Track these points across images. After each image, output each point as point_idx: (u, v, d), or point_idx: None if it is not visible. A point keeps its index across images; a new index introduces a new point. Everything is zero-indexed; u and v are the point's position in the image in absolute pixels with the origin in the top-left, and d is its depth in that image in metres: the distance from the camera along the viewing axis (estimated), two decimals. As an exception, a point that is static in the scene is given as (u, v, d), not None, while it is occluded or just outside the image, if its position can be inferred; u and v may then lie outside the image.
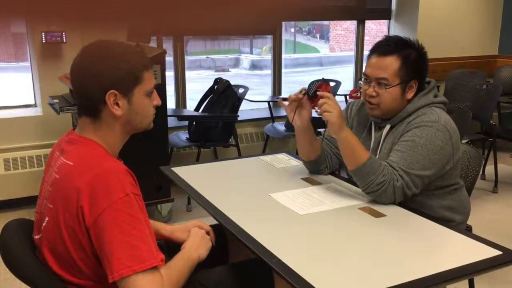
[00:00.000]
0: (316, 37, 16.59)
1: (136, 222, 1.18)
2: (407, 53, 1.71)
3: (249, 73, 12.32)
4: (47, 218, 1.26)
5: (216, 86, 3.76)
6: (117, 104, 1.27)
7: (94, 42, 1.30)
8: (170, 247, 1.53)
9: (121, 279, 1.14)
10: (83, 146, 1.28)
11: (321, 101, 1.67)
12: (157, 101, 1.36)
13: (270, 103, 4.26)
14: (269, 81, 4.77)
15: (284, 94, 4.68)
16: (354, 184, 1.73)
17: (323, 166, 1.91)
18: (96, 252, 1.19)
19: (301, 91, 1.74)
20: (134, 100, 1.29)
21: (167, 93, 3.13)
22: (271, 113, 4.21)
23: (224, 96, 3.69)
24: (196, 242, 1.45)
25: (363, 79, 1.79)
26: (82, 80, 1.28)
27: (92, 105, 1.28)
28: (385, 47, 1.73)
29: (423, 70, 1.76)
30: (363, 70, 1.80)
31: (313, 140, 1.85)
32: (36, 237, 1.32)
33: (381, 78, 1.71)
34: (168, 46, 4.01)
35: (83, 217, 1.18)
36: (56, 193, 1.25)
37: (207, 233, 1.53)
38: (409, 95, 1.74)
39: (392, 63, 1.70)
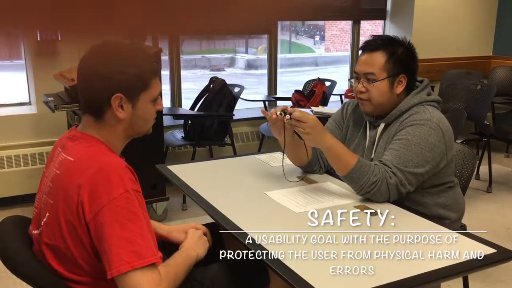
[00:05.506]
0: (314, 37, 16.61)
1: (135, 218, 1.18)
2: (394, 48, 1.74)
3: (245, 73, 12.31)
4: (47, 214, 1.26)
5: (211, 85, 3.76)
6: (122, 107, 1.27)
7: (103, 42, 1.28)
8: (165, 247, 1.53)
9: (119, 275, 1.14)
10: (84, 142, 1.29)
11: (294, 122, 1.65)
12: (160, 106, 1.36)
13: (266, 102, 4.25)
14: (264, 80, 4.77)
15: (279, 94, 4.68)
16: (350, 182, 1.74)
17: (316, 167, 1.92)
18: (96, 248, 1.19)
19: (280, 113, 1.73)
20: (139, 105, 1.29)
21: (163, 92, 3.13)
22: (267, 113, 4.21)
23: (219, 95, 3.68)
24: (194, 241, 1.46)
25: (354, 77, 1.82)
26: (89, 80, 1.28)
27: (96, 105, 1.28)
28: (372, 44, 1.76)
29: (412, 65, 1.78)
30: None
31: (301, 149, 1.84)
32: (35, 232, 1.32)
33: (368, 73, 1.74)
34: (163, 45, 3.99)
35: (83, 213, 1.18)
36: (56, 189, 1.25)
37: (204, 234, 1.54)
38: (398, 89, 1.75)
39: (379, 58, 1.73)
